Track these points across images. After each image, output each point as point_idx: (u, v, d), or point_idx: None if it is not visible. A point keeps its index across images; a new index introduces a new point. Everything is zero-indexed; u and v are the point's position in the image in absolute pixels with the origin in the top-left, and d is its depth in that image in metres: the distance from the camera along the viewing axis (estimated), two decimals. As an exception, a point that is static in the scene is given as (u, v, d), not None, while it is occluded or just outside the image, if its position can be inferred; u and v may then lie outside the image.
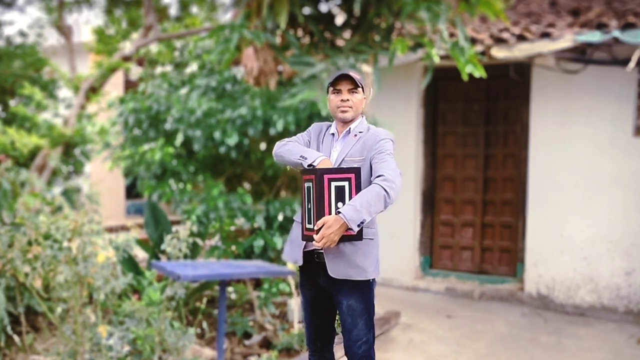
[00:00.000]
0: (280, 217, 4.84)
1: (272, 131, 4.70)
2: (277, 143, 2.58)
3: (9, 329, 3.78)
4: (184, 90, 5.59)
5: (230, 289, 5.14)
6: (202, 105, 4.89)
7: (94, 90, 8.17)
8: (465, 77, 5.00)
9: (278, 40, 5.26)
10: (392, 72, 5.31)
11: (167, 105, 5.20)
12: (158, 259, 4.69)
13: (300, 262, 2.47)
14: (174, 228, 4.14)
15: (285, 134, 4.69)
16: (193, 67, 6.57)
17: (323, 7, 5.47)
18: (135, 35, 9.10)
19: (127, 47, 8.80)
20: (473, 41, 5.53)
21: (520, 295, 5.98)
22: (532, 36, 5.41)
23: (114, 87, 10.17)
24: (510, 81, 6.05)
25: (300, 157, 2.41)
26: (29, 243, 3.87)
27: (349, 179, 2.28)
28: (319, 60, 4.89)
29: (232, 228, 5.26)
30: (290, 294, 4.90)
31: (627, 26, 5.09)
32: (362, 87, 2.47)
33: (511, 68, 5.87)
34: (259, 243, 4.70)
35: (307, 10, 5.21)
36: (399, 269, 6.51)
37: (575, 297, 5.70)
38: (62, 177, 7.76)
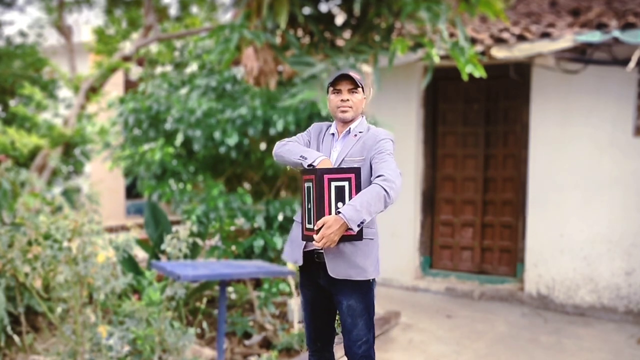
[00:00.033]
0: (280, 217, 4.84)
1: (272, 131, 4.70)
2: (277, 143, 2.58)
3: (9, 329, 3.78)
4: (184, 90, 5.59)
5: (230, 289, 5.14)
6: (202, 105, 4.89)
7: (94, 90, 8.17)
8: (465, 77, 5.00)
9: (278, 40, 5.26)
10: (392, 72, 5.31)
11: (167, 105, 5.20)
12: (158, 259, 4.69)
13: (300, 262, 2.47)
14: (174, 228, 4.14)
15: (285, 134, 4.69)
16: (193, 67, 6.57)
17: (323, 7, 5.47)
18: (135, 35, 9.10)
19: (127, 47, 8.80)
20: (473, 41, 5.53)
21: (520, 295, 5.98)
22: (532, 36, 5.41)
23: (114, 87, 10.17)
24: (510, 81, 6.05)
25: (300, 157, 2.41)
26: (29, 243, 3.87)
27: (349, 179, 2.28)
28: (319, 60, 4.89)
29: (232, 228, 5.26)
30: (290, 294, 4.90)
31: (627, 26, 5.09)
32: (362, 87, 2.47)
33: (511, 68, 5.87)
34: (259, 243, 4.70)
35: (307, 10, 5.21)
36: (399, 269, 6.51)
37: (575, 297, 5.70)
38: (62, 177, 7.76)
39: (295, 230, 2.50)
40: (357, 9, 5.11)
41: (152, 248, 4.95)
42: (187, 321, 4.42)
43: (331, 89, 2.49)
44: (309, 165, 2.36)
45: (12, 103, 8.76)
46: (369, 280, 2.43)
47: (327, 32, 5.41)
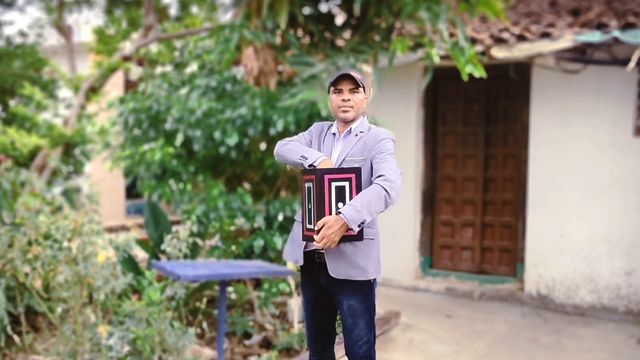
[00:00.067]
0: (280, 217, 4.83)
1: (272, 131, 4.70)
2: (279, 142, 2.57)
3: (9, 329, 3.78)
4: (184, 90, 5.59)
5: (230, 289, 5.13)
6: (202, 105, 4.89)
7: (94, 90, 8.16)
8: (465, 77, 5.00)
9: (278, 40, 5.26)
10: (392, 72, 5.31)
11: (167, 105, 5.20)
12: (158, 259, 4.69)
13: (301, 262, 2.47)
14: (174, 228, 4.14)
15: (285, 134, 4.68)
16: (193, 67, 6.57)
17: (323, 7, 5.47)
18: (135, 35, 9.10)
19: (127, 47, 8.80)
20: (473, 41, 5.53)
21: (520, 295, 5.98)
22: (532, 36, 5.41)
23: (114, 87, 10.17)
24: (510, 81, 6.05)
25: (301, 157, 2.41)
26: (29, 243, 3.87)
27: (349, 179, 2.28)
28: (319, 60, 4.89)
29: (232, 228, 5.26)
30: (290, 294, 4.89)
31: (627, 26, 5.09)
32: (364, 87, 2.47)
33: (511, 68, 5.87)
34: (259, 243, 4.70)
35: (307, 10, 5.21)
36: (399, 269, 6.51)
37: (575, 297, 5.70)
38: (62, 177, 7.76)
39: (296, 230, 2.50)
40: (357, 9, 5.11)
41: (152, 248, 4.95)
42: (187, 321, 4.42)
43: (332, 88, 2.49)
44: (309, 166, 2.36)
45: (12, 103, 8.76)
46: (370, 280, 2.43)
47: (327, 32, 5.40)
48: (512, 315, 5.57)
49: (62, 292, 3.55)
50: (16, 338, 3.92)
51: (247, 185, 5.72)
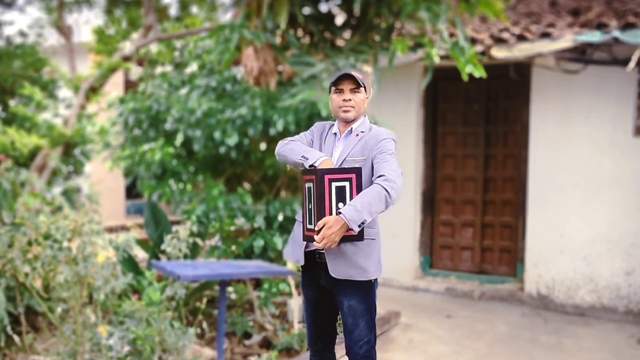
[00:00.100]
0: (280, 217, 4.83)
1: (272, 131, 4.70)
2: (280, 142, 2.57)
3: (9, 329, 3.78)
4: (184, 90, 5.59)
5: (230, 289, 5.13)
6: (202, 105, 4.89)
7: (94, 90, 8.16)
8: (465, 77, 5.00)
9: (278, 40, 5.26)
10: (392, 72, 5.31)
11: (167, 105, 5.20)
12: (158, 259, 4.69)
13: (302, 262, 2.47)
14: (174, 228, 4.14)
15: (285, 134, 4.68)
16: (193, 67, 6.57)
17: (323, 7, 5.47)
18: (135, 35, 9.10)
19: (127, 47, 8.80)
20: (473, 41, 5.53)
21: (520, 295, 5.98)
22: (532, 36, 5.41)
23: (114, 87, 10.17)
24: (510, 81, 6.05)
25: (302, 157, 2.41)
26: (29, 243, 3.87)
27: (349, 179, 2.28)
28: (319, 60, 4.89)
29: (232, 228, 5.26)
30: (290, 294, 4.89)
31: (627, 26, 5.09)
32: (365, 87, 2.46)
33: (511, 68, 5.87)
34: (259, 243, 4.70)
35: (307, 10, 5.21)
36: (399, 269, 6.51)
37: (575, 297, 5.70)
38: (62, 177, 7.76)
39: (297, 230, 2.49)
40: (357, 9, 5.11)
41: (152, 248, 4.95)
42: (187, 321, 4.42)
43: (333, 88, 2.49)
44: (310, 166, 2.36)
45: (12, 103, 8.76)
46: (371, 280, 2.42)
47: (327, 32, 5.40)
48: (512, 315, 5.57)
49: (62, 292, 3.54)
50: (16, 338, 3.92)
51: (247, 185, 5.72)
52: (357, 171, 2.30)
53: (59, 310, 3.65)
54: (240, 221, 5.04)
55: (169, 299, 3.92)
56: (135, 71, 9.27)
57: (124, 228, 7.62)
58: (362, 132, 2.47)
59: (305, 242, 2.42)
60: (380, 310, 5.11)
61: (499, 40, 5.49)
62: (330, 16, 5.50)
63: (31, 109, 8.01)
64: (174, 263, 3.89)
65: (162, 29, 8.59)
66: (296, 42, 5.09)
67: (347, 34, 5.52)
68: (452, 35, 5.63)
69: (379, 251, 2.46)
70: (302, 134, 2.62)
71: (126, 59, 8.23)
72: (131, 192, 11.45)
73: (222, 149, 4.88)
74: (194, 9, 9.82)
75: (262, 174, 5.49)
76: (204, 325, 4.43)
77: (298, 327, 4.50)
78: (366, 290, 2.42)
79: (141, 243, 5.17)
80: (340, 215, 2.18)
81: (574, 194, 5.68)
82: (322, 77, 4.69)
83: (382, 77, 5.20)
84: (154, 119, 5.30)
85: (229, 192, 5.17)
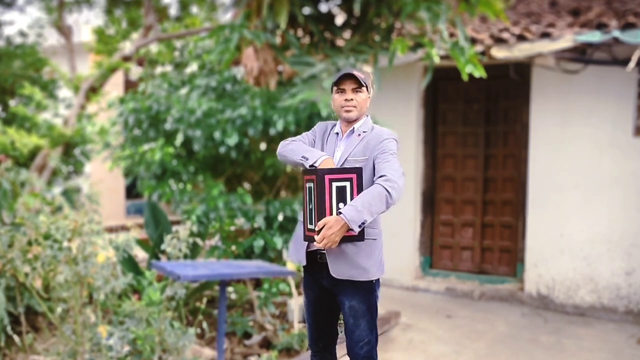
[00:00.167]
0: (280, 217, 4.83)
1: (272, 131, 4.70)
2: (282, 142, 2.57)
3: (9, 329, 3.78)
4: (184, 90, 5.59)
5: (230, 289, 5.13)
6: (202, 105, 4.89)
7: (94, 90, 8.16)
8: (465, 77, 5.00)
9: (278, 40, 5.26)
10: (392, 72, 5.31)
11: (167, 105, 5.20)
12: (158, 259, 4.68)
13: (304, 263, 2.46)
14: (174, 228, 4.13)
15: (285, 134, 4.69)
16: (193, 67, 6.57)
17: (323, 7, 5.47)
18: (135, 35, 9.10)
19: (127, 47, 8.80)
20: (473, 41, 5.53)
21: (520, 295, 5.98)
22: (532, 36, 5.41)
23: (114, 87, 10.17)
24: (510, 81, 6.05)
25: (302, 157, 2.41)
26: (29, 243, 3.87)
27: (350, 179, 2.27)
28: (319, 60, 4.89)
29: (232, 228, 5.26)
30: (290, 294, 4.89)
31: (627, 26, 5.09)
32: (367, 86, 2.46)
33: (511, 68, 5.87)
34: (259, 243, 4.70)
35: (307, 10, 5.21)
36: (399, 269, 6.51)
37: (575, 297, 5.70)
38: (62, 177, 7.75)
39: (299, 230, 2.49)
40: (357, 9, 5.11)
41: (152, 248, 4.95)
42: (187, 321, 4.42)
43: (335, 88, 2.48)
44: (310, 166, 2.36)
45: (12, 103, 8.76)
46: (372, 281, 2.42)
47: (327, 32, 5.40)
48: (512, 315, 5.57)
49: (62, 292, 3.54)
50: (16, 338, 3.91)
51: (247, 185, 5.72)
52: (358, 171, 2.29)
53: (59, 310, 3.65)
54: (240, 221, 5.04)
55: (169, 299, 3.92)
56: (135, 71, 9.27)
57: (124, 228, 7.62)
58: (364, 132, 2.47)
59: (307, 243, 2.41)
60: (380, 310, 5.11)
61: (499, 40, 5.49)
62: (330, 16, 5.50)
63: (31, 109, 8.01)
64: (174, 263, 3.89)
65: (162, 29, 8.59)
66: (296, 42, 5.09)
67: (347, 34, 5.52)
68: (452, 35, 5.63)
69: (381, 251, 2.45)
70: (304, 134, 2.61)
71: (126, 59, 8.23)
72: (131, 192, 11.45)
73: (222, 149, 4.88)
74: (194, 9, 9.82)
75: (262, 174, 5.49)
76: (204, 325, 4.42)
77: (298, 327, 4.50)
78: (367, 290, 2.42)
79: (141, 243, 5.17)
80: (341, 215, 2.18)
81: (574, 194, 5.68)
82: (322, 77, 4.69)
83: (382, 77, 5.20)
84: (154, 119, 5.30)
85: (229, 192, 5.17)
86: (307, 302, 2.59)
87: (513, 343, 4.80)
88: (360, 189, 2.27)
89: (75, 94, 8.34)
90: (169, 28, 8.99)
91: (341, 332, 2.57)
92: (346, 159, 2.42)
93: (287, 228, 4.86)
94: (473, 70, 4.91)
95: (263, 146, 5.34)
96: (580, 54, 5.37)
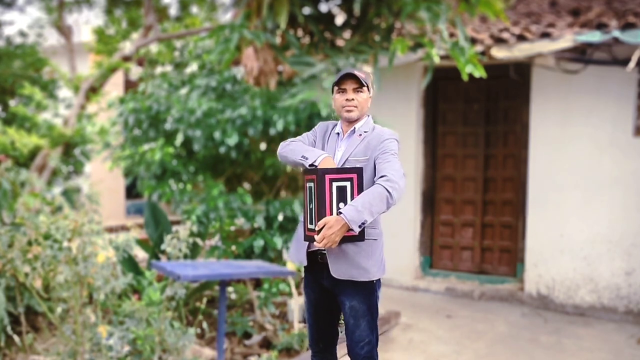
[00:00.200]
0: (280, 217, 4.83)
1: (272, 131, 4.70)
2: (282, 143, 2.56)
3: (9, 329, 3.78)
4: (184, 90, 5.59)
5: (230, 289, 5.13)
6: (202, 105, 4.89)
7: (94, 90, 8.16)
8: (465, 77, 5.00)
9: (278, 40, 5.26)
10: (392, 72, 5.31)
11: (167, 105, 5.20)
12: (158, 259, 4.69)
13: (305, 263, 2.46)
14: (174, 228, 4.13)
15: (285, 134, 4.69)
16: (193, 67, 6.57)
17: (323, 7, 5.47)
18: (135, 35, 9.10)
19: (127, 47, 8.80)
20: (473, 41, 5.53)
21: (520, 295, 5.98)
22: (532, 36, 5.41)
23: (114, 87, 10.17)
24: (510, 81, 6.05)
25: (302, 157, 2.40)
26: (29, 243, 3.87)
27: (350, 179, 2.27)
28: (319, 60, 4.89)
29: (232, 228, 5.26)
30: (290, 294, 4.89)
31: (627, 26, 5.09)
32: (368, 86, 2.46)
33: (511, 68, 5.87)
34: (259, 243, 4.70)
35: (307, 10, 5.21)
36: (399, 269, 6.51)
37: (575, 297, 5.70)
38: (62, 177, 7.76)
39: (300, 231, 2.49)
40: (357, 9, 5.11)
41: (152, 248, 4.95)
42: (187, 321, 4.42)
43: (336, 88, 2.48)
44: (310, 165, 2.36)
45: (12, 103, 8.76)
46: (373, 281, 2.42)
47: (327, 32, 5.40)
48: (512, 315, 5.57)
49: (62, 292, 3.54)
50: (16, 338, 3.91)
51: (247, 185, 5.72)
52: (359, 171, 2.29)
53: (59, 310, 3.65)
54: (240, 221, 5.04)
55: (169, 299, 3.92)
56: (135, 71, 9.28)
57: (124, 228, 7.62)
58: (365, 132, 2.46)
59: (307, 243, 2.41)
60: (380, 310, 5.08)
61: (499, 40, 5.49)
62: (330, 16, 5.50)
63: (31, 109, 8.01)
64: (174, 263, 3.89)
65: (162, 29, 8.59)
66: (296, 42, 5.09)
67: (347, 34, 5.52)
68: (452, 35, 5.63)
69: (382, 251, 2.45)
70: (304, 134, 2.61)
71: (126, 59, 8.23)
72: (131, 192, 11.45)
73: (222, 149, 4.88)
74: (194, 9, 9.83)
75: (262, 174, 5.49)
76: (204, 325, 4.42)
77: (298, 327, 4.50)
78: (368, 290, 2.42)
79: (141, 243, 5.17)
80: (341, 215, 2.18)
81: (574, 194, 5.68)
82: (322, 77, 4.68)
83: (382, 77, 5.20)
84: (154, 119, 5.30)
85: (229, 192, 5.17)
86: (307, 302, 2.59)
87: (513, 343, 4.80)
88: (360, 189, 2.26)
89: (75, 94, 8.34)
90: (169, 28, 8.99)
91: (341, 332, 2.57)
92: (347, 159, 2.42)
93: (287, 228, 4.86)
94: (473, 70, 4.91)
95: (263, 146, 5.34)
96: (580, 54, 5.37)
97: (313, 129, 2.63)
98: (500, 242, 6.42)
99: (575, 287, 5.70)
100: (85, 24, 11.34)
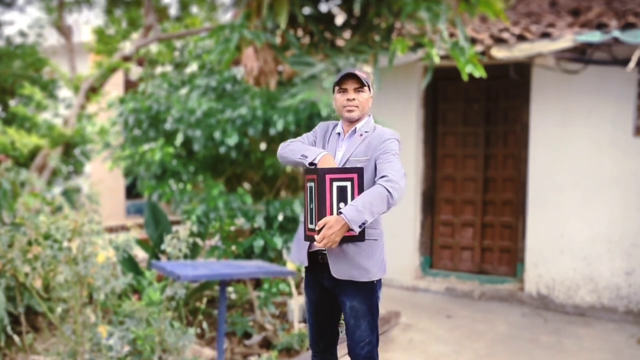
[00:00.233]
0: (280, 217, 4.83)
1: (272, 131, 4.70)
2: (282, 144, 2.56)
3: (9, 329, 3.78)
4: (184, 90, 5.59)
5: (230, 289, 5.13)
6: (202, 105, 4.89)
7: (94, 90, 8.16)
8: (465, 77, 5.00)
9: (278, 40, 5.26)
10: (392, 72, 5.31)
11: (167, 105, 5.20)
12: (158, 259, 4.69)
13: (306, 263, 2.46)
14: (174, 228, 4.13)
15: (285, 134, 4.69)
16: (193, 67, 6.58)
17: (323, 7, 5.47)
18: (135, 35, 9.10)
19: (127, 47, 8.80)
20: (473, 41, 5.53)
21: (520, 295, 5.98)
22: (532, 36, 5.41)
23: (114, 87, 10.17)
24: (510, 81, 6.06)
25: (301, 156, 2.40)
26: (29, 243, 3.87)
27: (351, 179, 2.27)
28: (319, 60, 4.89)
29: (232, 228, 5.25)
30: (290, 294, 4.89)
31: (627, 26, 5.09)
32: (369, 86, 2.46)
33: (511, 68, 5.87)
34: (259, 243, 4.70)
35: (307, 10, 5.21)
36: (399, 269, 6.51)
37: (575, 297, 5.70)
38: (62, 177, 7.76)
39: (301, 231, 2.49)
40: (357, 9, 5.11)
41: (152, 248, 4.95)
42: (187, 321, 4.42)
43: (337, 88, 2.48)
44: (310, 164, 2.36)
45: (12, 103, 8.76)
46: (373, 281, 2.42)
47: (327, 32, 5.40)
48: (512, 315, 5.57)
49: (62, 292, 3.54)
50: (16, 338, 3.91)
51: (247, 185, 5.72)
52: (359, 171, 2.29)
53: (59, 310, 3.65)
54: (240, 221, 5.04)
55: (169, 299, 3.92)
56: (135, 71, 9.28)
57: (124, 228, 7.62)
58: (366, 132, 2.46)
59: (308, 243, 2.41)
60: (381, 310, 5.10)
61: (499, 40, 5.49)
62: (330, 16, 5.51)
63: (31, 109, 8.01)
64: (174, 263, 3.89)
65: (162, 29, 8.59)
66: (296, 42, 5.09)
67: (347, 34, 5.52)
68: (452, 35, 5.63)
69: (382, 252, 2.45)
70: (304, 134, 2.61)
71: (126, 59, 8.23)
72: (131, 192, 11.45)
73: (222, 149, 4.88)
74: (194, 9, 9.83)
75: (262, 174, 5.49)
76: (204, 325, 4.42)
77: (298, 327, 4.50)
78: (368, 291, 2.42)
79: (141, 243, 5.17)
80: (341, 215, 2.18)
81: (574, 194, 5.68)
82: (322, 77, 4.69)
83: (382, 77, 5.20)
84: (154, 119, 5.30)
85: (229, 192, 5.17)
86: (308, 302, 2.59)
87: (513, 343, 4.80)
88: (361, 189, 2.26)
89: (75, 94, 8.34)
90: (169, 28, 8.99)
91: (342, 332, 2.57)
92: (348, 159, 2.41)
93: (287, 228, 4.86)
94: (473, 70, 4.91)
95: (263, 146, 5.34)
96: (580, 54, 5.37)
97: (313, 129, 2.63)
98: (500, 242, 6.42)
99: (575, 287, 5.70)
100: (85, 24, 11.35)
